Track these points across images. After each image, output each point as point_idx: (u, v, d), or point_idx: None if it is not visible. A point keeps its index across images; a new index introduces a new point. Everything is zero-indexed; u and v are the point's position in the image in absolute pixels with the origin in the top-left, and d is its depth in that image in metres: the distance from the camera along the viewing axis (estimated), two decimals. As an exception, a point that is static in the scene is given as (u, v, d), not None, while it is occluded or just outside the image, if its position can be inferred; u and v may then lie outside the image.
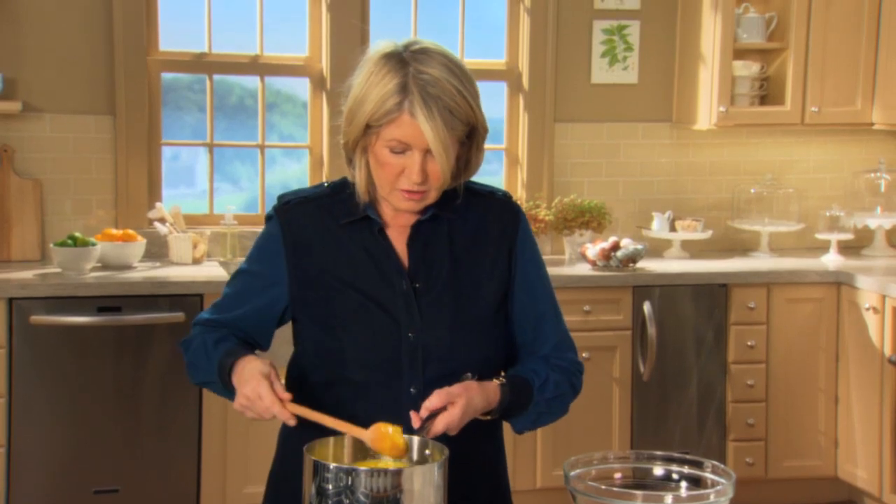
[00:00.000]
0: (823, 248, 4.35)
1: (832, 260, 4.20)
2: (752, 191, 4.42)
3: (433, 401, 1.59)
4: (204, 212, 4.21)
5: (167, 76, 4.15)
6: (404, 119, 1.63)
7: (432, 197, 1.70)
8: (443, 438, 1.59)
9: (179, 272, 3.74)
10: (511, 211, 1.81)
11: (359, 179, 1.72)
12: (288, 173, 4.39)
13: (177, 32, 4.13)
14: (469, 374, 1.67)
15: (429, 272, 1.73)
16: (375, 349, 1.69)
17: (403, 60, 1.65)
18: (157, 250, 4.01)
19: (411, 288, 1.71)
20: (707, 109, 4.20)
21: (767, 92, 4.32)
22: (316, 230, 1.75)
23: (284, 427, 1.81)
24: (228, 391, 1.71)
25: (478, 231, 1.77)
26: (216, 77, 4.21)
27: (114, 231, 3.86)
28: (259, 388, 1.60)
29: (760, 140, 4.50)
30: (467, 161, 1.72)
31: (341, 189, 1.78)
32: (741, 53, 4.25)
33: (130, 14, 3.98)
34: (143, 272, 3.74)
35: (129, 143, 4.02)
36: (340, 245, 1.74)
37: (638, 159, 4.44)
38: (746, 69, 4.24)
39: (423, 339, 1.70)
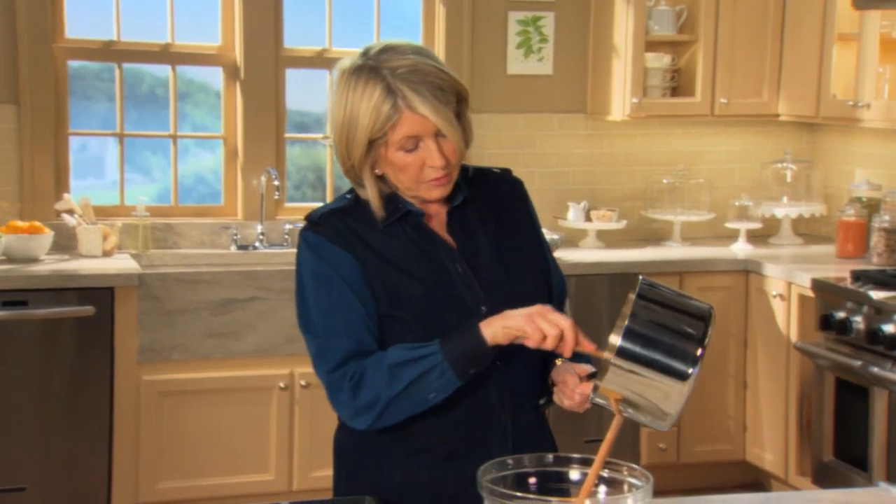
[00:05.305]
0: (733, 236, 4.45)
1: (741, 248, 4.30)
2: (665, 181, 4.50)
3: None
4: (114, 203, 4.12)
5: (74, 64, 4.04)
6: (406, 116, 1.66)
7: (455, 176, 1.75)
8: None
9: (89, 265, 3.66)
10: (516, 183, 1.89)
11: (372, 197, 1.74)
12: (202, 164, 4.31)
13: (83, 19, 4.03)
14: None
15: (476, 252, 1.78)
16: (451, 332, 1.68)
17: (373, 68, 1.68)
18: (66, 242, 3.91)
19: (466, 267, 1.75)
20: (620, 101, 4.26)
21: (678, 83, 4.40)
22: (360, 237, 1.74)
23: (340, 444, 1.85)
24: (458, 368, 1.65)
25: (499, 208, 1.84)
26: (125, 66, 4.11)
27: (19, 223, 3.75)
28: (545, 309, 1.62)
29: (672, 131, 4.58)
30: (464, 129, 1.75)
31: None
32: (653, 45, 4.31)
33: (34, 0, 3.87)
34: (51, 265, 3.64)
35: (34, 133, 3.91)
36: (388, 245, 1.75)
37: (553, 150, 4.48)
38: (658, 61, 4.31)
39: (493, 311, 1.68)
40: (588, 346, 1.61)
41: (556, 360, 1.75)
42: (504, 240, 1.81)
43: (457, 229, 1.79)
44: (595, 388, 1.53)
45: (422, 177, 1.70)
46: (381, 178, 1.75)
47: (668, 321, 1.46)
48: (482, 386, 1.72)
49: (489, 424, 1.75)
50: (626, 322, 1.45)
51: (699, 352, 1.44)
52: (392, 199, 1.76)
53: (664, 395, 1.45)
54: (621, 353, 1.45)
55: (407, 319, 1.72)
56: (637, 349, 1.45)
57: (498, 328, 1.62)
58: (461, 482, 1.68)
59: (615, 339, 1.51)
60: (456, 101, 1.71)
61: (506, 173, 1.90)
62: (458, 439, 1.74)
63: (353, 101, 1.68)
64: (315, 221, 1.76)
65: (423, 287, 1.73)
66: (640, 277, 1.53)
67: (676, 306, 1.49)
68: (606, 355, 1.53)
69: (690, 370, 1.43)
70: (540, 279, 1.83)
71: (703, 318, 1.47)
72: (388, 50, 1.69)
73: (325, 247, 1.73)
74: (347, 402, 1.69)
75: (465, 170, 1.82)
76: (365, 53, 1.70)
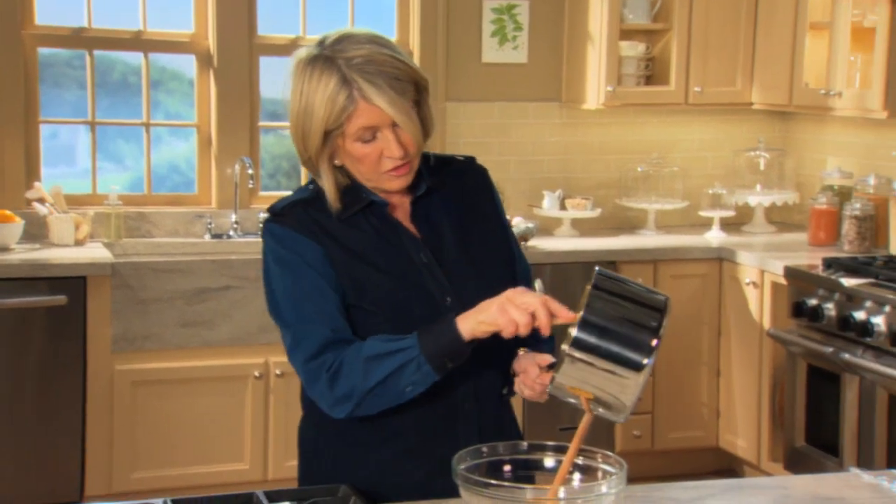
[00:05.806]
0: (707, 224, 4.47)
1: (715, 236, 4.32)
2: (639, 169, 4.51)
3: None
4: (86, 192, 4.09)
5: (44, 51, 4.00)
6: (361, 107, 1.65)
7: (415, 166, 1.73)
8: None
9: (60, 254, 3.63)
10: (480, 171, 1.88)
11: (328, 189, 1.73)
12: (175, 152, 4.28)
13: (53, 5, 3.98)
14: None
15: (440, 242, 1.77)
16: (417, 322, 1.67)
17: (328, 58, 1.66)
18: (37, 231, 3.87)
19: (431, 258, 1.74)
20: (595, 89, 4.27)
21: (653, 72, 4.41)
22: (324, 228, 1.73)
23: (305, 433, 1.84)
24: (435, 362, 1.63)
25: (463, 197, 1.83)
26: (97, 53, 4.07)
27: (-11, 212, 3.72)
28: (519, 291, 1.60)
29: (646, 119, 4.59)
30: (423, 119, 1.73)
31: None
32: (627, 34, 4.32)
33: (4, -15, 3.82)
34: (22, 254, 3.61)
35: (3, 121, 3.87)
36: (353, 236, 1.73)
37: (528, 138, 4.49)
38: (633, 49, 4.32)
39: (459, 302, 1.69)
40: (565, 316, 1.56)
41: (519, 350, 1.75)
42: (468, 228, 1.81)
43: (421, 219, 1.78)
44: (552, 380, 1.52)
45: (380, 167, 1.69)
46: (341, 169, 1.74)
47: (624, 312, 1.46)
48: (448, 375, 1.71)
49: (455, 413, 1.75)
50: (582, 313, 1.45)
51: (654, 342, 1.44)
52: (355, 190, 1.75)
53: (620, 386, 1.45)
54: (576, 343, 1.45)
55: (372, 310, 1.71)
56: (592, 340, 1.44)
57: (474, 323, 1.61)
58: (428, 470, 1.70)
59: (574, 331, 1.51)
60: (414, 90, 1.70)
61: (470, 161, 1.89)
62: (423, 428, 1.74)
63: (308, 92, 1.66)
64: (278, 213, 1.75)
65: (389, 278, 1.72)
66: (597, 268, 1.53)
67: (632, 297, 1.49)
68: (564, 347, 1.54)
69: (645, 361, 1.44)
70: (505, 268, 1.83)
71: (658, 308, 1.48)
72: (343, 39, 1.67)
73: (291, 237, 1.72)
74: (325, 392, 1.69)
75: (426, 158, 1.80)
76: (321, 42, 1.68)
